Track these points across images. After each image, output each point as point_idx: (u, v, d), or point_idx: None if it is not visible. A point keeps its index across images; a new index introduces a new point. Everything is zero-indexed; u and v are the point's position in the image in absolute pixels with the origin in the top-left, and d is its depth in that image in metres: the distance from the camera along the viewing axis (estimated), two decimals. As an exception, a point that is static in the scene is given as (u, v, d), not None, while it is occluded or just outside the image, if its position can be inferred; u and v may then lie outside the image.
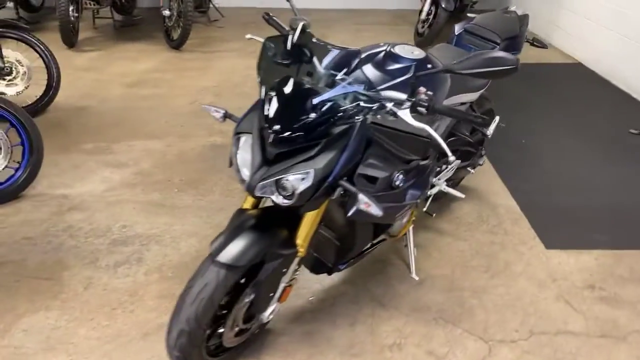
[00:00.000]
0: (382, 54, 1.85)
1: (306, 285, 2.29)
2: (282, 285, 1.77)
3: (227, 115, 1.74)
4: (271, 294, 1.76)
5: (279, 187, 1.50)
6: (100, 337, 2.02)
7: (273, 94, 1.53)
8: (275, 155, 1.51)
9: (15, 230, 2.65)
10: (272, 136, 1.46)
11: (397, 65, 1.82)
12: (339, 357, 1.97)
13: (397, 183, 1.75)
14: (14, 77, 3.91)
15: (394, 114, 1.53)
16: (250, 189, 1.53)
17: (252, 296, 1.71)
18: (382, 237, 2.16)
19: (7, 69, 3.76)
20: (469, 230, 2.78)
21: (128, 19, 6.58)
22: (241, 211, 1.73)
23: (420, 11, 5.98)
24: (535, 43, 2.72)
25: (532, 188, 3.18)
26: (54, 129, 3.75)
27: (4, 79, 3.86)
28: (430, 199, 2.52)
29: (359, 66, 1.77)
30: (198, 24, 6.63)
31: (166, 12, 5.46)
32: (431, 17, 5.82)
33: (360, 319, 2.16)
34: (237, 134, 1.63)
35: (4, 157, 2.86)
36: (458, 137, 2.45)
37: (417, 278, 2.40)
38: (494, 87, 2.60)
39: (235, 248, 1.58)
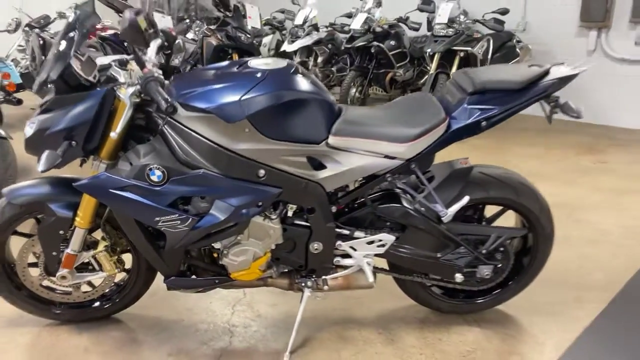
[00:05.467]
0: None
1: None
2: (64, 250, 1.82)
3: None
4: (54, 253, 1.84)
5: None
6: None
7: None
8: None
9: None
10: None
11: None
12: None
13: (152, 177, 1.59)
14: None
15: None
16: None
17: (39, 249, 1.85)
18: (220, 277, 1.87)
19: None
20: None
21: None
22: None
23: None
24: (563, 110, 1.76)
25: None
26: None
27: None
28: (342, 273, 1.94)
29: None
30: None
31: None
32: None
33: None
34: None
35: None
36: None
37: (287, 359, 1.89)
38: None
39: (21, 189, 1.80)
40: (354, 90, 6.46)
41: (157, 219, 1.63)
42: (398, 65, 6.38)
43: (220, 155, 1.62)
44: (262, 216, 1.75)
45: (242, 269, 1.81)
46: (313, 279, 1.92)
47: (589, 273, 2.62)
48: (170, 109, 1.38)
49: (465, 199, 1.77)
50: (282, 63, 1.72)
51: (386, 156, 1.74)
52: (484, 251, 1.94)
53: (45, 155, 1.50)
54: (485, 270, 1.96)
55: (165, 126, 1.62)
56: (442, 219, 1.75)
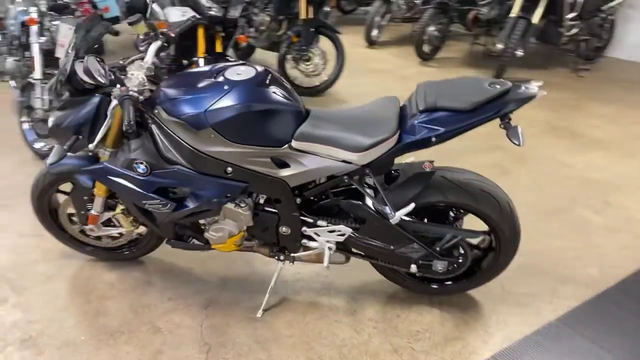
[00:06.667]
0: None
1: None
2: (89, 211, 2.29)
3: None
4: (82, 212, 2.32)
5: None
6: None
7: None
8: None
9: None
10: None
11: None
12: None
13: (138, 170, 1.95)
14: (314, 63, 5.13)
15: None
16: None
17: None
18: (200, 242, 2.25)
19: (307, 56, 5.06)
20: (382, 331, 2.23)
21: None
22: None
23: None
24: (508, 133, 1.79)
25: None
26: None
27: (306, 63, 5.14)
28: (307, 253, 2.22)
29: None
30: (564, 68, 6.13)
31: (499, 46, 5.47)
32: None
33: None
34: None
35: None
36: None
37: (259, 316, 2.28)
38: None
39: (57, 158, 2.24)
40: (432, 27, 6.27)
41: (144, 202, 2.00)
42: (482, 2, 6.02)
43: (193, 155, 1.92)
44: (234, 204, 2.05)
45: (219, 243, 2.17)
46: (286, 253, 2.23)
47: (584, 266, 2.65)
48: (129, 130, 1.69)
49: (411, 206, 1.92)
50: (251, 73, 1.92)
51: (343, 160, 1.93)
52: (437, 248, 2.10)
53: (54, 150, 1.90)
54: (439, 265, 2.13)
55: (153, 125, 1.94)
56: (390, 220, 1.94)
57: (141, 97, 1.85)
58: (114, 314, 2.29)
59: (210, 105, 1.83)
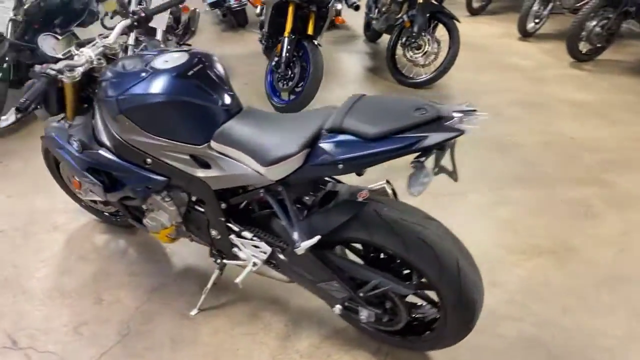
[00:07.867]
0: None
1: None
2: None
3: None
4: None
5: None
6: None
7: None
8: None
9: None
10: None
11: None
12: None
13: (73, 146, 1.98)
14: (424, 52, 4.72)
15: None
16: None
17: None
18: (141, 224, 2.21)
19: (416, 44, 4.67)
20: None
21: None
22: None
23: None
24: (411, 175, 1.31)
25: None
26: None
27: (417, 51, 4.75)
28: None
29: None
30: None
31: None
32: None
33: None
34: None
35: None
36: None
37: (192, 314, 2.20)
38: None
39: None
40: (594, 22, 5.23)
41: (80, 178, 2.03)
42: (666, -4, 4.82)
43: (115, 141, 1.87)
44: (160, 197, 1.97)
45: (154, 232, 2.11)
46: (222, 257, 2.09)
47: (612, 361, 2.00)
48: (19, 108, 1.68)
49: (316, 239, 1.62)
50: (179, 62, 1.78)
51: (257, 171, 1.70)
52: (361, 294, 1.76)
53: (6, 116, 2.02)
54: (363, 314, 1.79)
55: (95, 104, 1.94)
56: (295, 250, 1.67)
57: (62, 77, 1.82)
58: (78, 276, 2.41)
59: (124, 91, 1.75)
